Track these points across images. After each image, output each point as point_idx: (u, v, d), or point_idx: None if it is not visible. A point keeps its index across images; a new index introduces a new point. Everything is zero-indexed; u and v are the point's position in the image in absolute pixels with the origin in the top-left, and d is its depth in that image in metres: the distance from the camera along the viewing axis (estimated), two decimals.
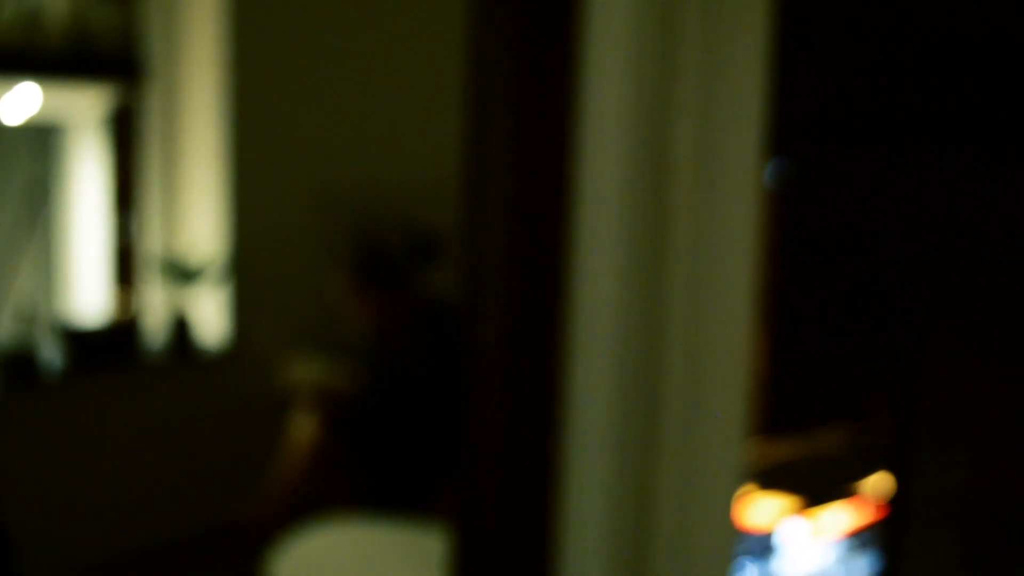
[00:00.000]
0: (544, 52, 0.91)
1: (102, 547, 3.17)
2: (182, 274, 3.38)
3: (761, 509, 1.15)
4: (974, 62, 1.15)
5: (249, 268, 3.49)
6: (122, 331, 3.42)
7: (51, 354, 3.20)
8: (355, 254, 3.06)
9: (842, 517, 1.23)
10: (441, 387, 2.84)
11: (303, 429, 3.03)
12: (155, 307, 3.76)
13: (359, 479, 3.01)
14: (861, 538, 1.24)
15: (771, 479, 1.13)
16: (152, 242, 3.82)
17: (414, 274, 3.38)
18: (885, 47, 1.10)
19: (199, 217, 3.71)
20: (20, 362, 3.01)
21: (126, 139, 3.84)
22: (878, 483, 1.24)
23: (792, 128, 1.01)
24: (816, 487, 1.15)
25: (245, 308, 3.50)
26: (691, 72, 0.90)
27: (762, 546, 1.14)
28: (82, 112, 4.82)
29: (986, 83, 1.18)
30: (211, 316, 3.56)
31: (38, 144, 5.70)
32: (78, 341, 3.22)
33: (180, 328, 3.44)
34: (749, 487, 1.00)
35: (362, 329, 3.06)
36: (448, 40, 3.53)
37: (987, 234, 1.28)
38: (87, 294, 5.00)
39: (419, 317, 2.99)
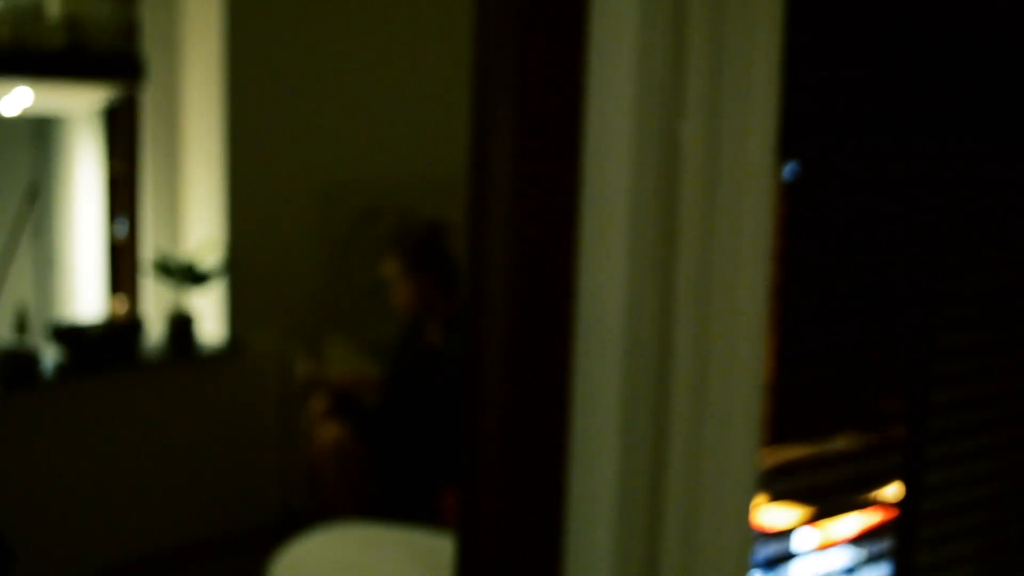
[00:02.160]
0: (551, 47, 0.89)
1: (101, 549, 3.15)
2: (180, 272, 3.36)
3: (770, 518, 1.12)
4: (985, 57, 1.13)
5: (247, 266, 3.47)
6: (120, 330, 3.40)
7: (49, 353, 3.18)
8: (421, 232, 2.97)
9: (852, 527, 1.21)
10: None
11: (328, 429, 2.98)
12: (154, 305, 3.75)
13: (380, 477, 2.97)
14: (872, 548, 1.22)
15: (779, 488, 1.10)
16: (150, 240, 3.80)
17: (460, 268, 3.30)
18: (893, 40, 1.08)
19: (198, 215, 3.69)
20: (18, 362, 2.99)
21: (125, 137, 3.82)
22: (890, 492, 1.22)
23: (798, 125, 0.99)
24: (826, 496, 1.13)
25: (244, 306, 3.49)
26: (701, 67, 0.87)
27: (771, 556, 1.12)
28: (80, 108, 4.79)
29: (1000, 79, 1.16)
30: (210, 314, 3.54)
31: (36, 141, 5.67)
32: (76, 340, 3.20)
33: (179, 326, 3.42)
34: (760, 496, 0.98)
35: (401, 313, 3.00)
36: (453, 35, 3.51)
37: (999, 236, 1.26)
38: (85, 293, 4.98)
39: (463, 310, 2.91)
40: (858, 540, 1.19)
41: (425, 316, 2.95)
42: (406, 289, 2.92)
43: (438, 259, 2.93)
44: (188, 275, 3.34)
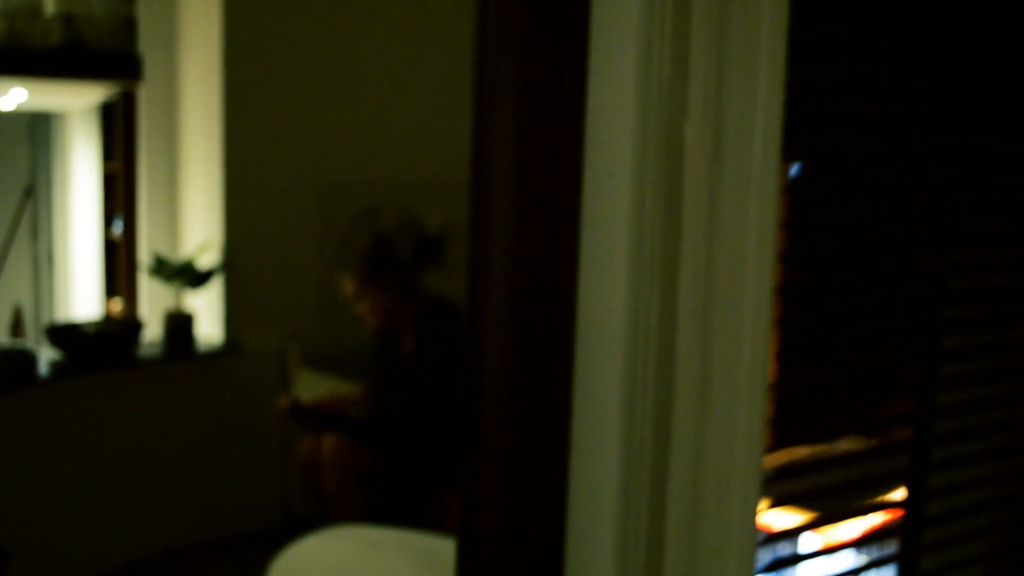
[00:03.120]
0: (552, 45, 0.88)
1: (96, 553, 3.13)
2: (178, 272, 3.34)
3: (773, 522, 1.11)
4: (993, 53, 1.12)
5: (245, 266, 3.45)
6: (117, 329, 3.38)
7: (46, 353, 3.16)
8: (368, 245, 2.98)
9: (857, 530, 1.20)
10: (450, 386, 2.80)
11: (323, 443, 2.97)
12: (151, 305, 3.73)
13: (381, 484, 2.96)
14: (876, 551, 1.20)
15: (783, 491, 1.09)
16: (148, 239, 3.78)
17: (421, 272, 3.31)
18: (900, 36, 1.07)
19: (195, 214, 3.67)
20: (14, 361, 2.97)
21: (122, 135, 3.80)
22: (895, 495, 1.20)
23: (802, 123, 0.98)
24: (830, 499, 1.12)
25: (241, 306, 3.47)
26: (705, 65, 0.86)
27: (775, 560, 1.11)
28: (78, 104, 4.76)
29: (1010, 75, 1.14)
30: (207, 314, 3.52)
31: (32, 137, 5.64)
32: (73, 340, 3.18)
33: (176, 326, 3.40)
34: (763, 501, 0.96)
35: (370, 328, 3.00)
36: (453, 34, 3.50)
37: (1007, 236, 1.24)
38: (83, 292, 4.96)
39: (429, 313, 2.92)
40: (862, 543, 1.18)
41: (395, 325, 2.96)
42: (368, 304, 2.93)
43: (390, 268, 2.95)
44: (185, 275, 3.33)
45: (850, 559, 1.20)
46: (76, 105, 4.71)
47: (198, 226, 3.62)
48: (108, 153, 4.07)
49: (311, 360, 3.38)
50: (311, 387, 3.10)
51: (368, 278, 2.92)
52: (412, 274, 2.99)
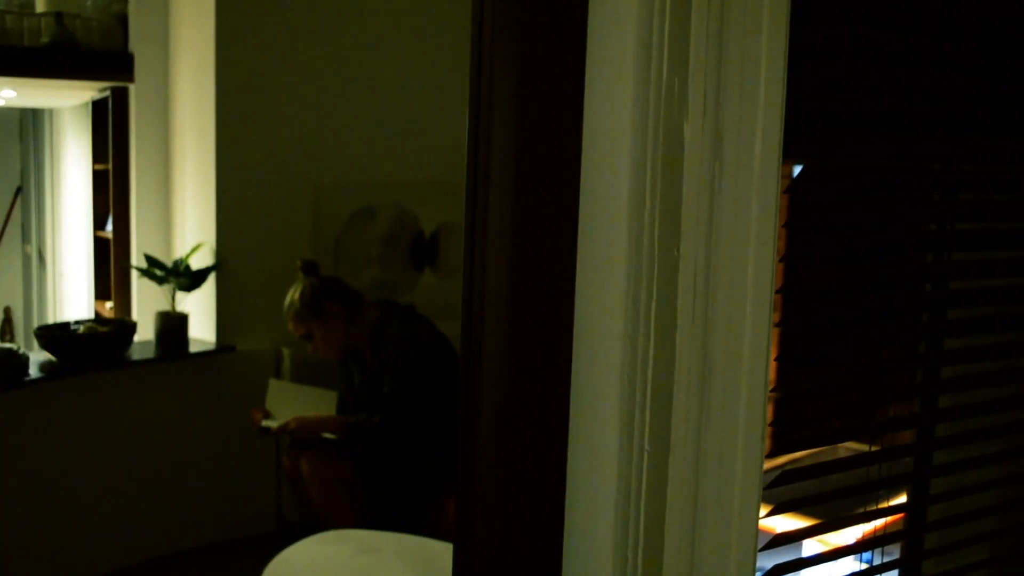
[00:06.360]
0: (549, 44, 0.87)
1: (88, 556, 3.11)
2: (170, 272, 3.32)
3: (774, 527, 1.10)
4: (996, 51, 1.11)
5: (237, 266, 3.43)
6: (109, 330, 3.35)
7: (37, 354, 3.13)
8: (300, 288, 2.96)
9: (857, 534, 1.19)
10: (417, 391, 2.79)
11: (303, 466, 2.95)
12: (143, 305, 3.71)
13: (370, 494, 2.94)
14: (877, 556, 1.19)
15: (783, 495, 1.08)
16: (140, 239, 3.76)
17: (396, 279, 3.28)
18: (902, 33, 1.06)
19: (188, 214, 3.65)
20: (4, 362, 2.94)
21: (113, 134, 3.77)
22: (896, 501, 1.19)
23: (803, 123, 0.97)
24: (831, 503, 1.11)
25: (233, 306, 3.45)
26: (704, 63, 0.85)
27: (775, 565, 1.10)
28: (69, 102, 4.73)
29: (1012, 73, 1.13)
30: (199, 314, 3.50)
31: (24, 134, 5.60)
32: (64, 341, 3.15)
33: (168, 327, 3.38)
34: (764, 507, 0.95)
35: (332, 359, 2.99)
36: (449, 33, 3.48)
37: (1010, 237, 1.23)
38: (74, 292, 4.93)
39: (383, 321, 2.91)
40: (864, 548, 1.17)
41: (355, 343, 2.94)
42: (320, 341, 2.92)
43: (329, 295, 2.92)
44: (177, 275, 3.30)
45: (851, 564, 1.19)
46: (67, 102, 4.68)
47: (190, 226, 3.60)
48: (99, 152, 4.04)
49: (303, 362, 3.37)
50: (288, 399, 3.06)
51: (311, 316, 2.90)
52: (353, 293, 2.97)
